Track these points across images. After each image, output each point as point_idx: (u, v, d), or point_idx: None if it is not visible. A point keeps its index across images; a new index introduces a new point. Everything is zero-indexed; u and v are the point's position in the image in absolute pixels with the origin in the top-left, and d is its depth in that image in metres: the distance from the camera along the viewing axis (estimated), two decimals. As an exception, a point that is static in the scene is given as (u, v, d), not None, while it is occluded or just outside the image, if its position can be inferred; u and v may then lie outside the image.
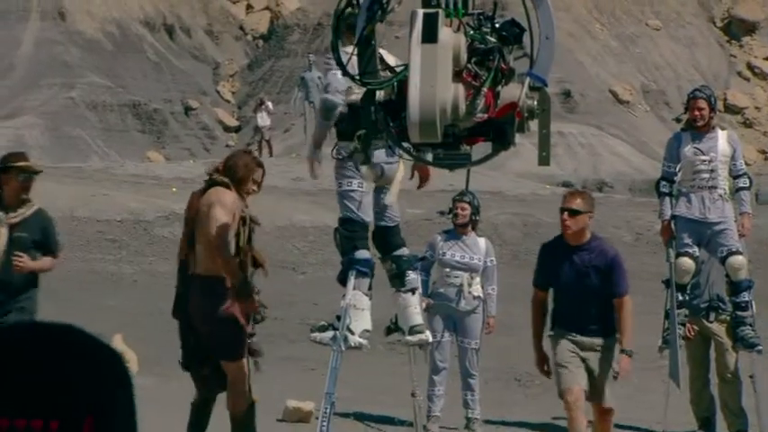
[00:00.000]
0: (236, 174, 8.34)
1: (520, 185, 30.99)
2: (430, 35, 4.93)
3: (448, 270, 11.30)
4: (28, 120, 56.30)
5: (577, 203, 8.43)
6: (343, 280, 8.72)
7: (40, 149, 50.85)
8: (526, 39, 5.28)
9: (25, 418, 1.38)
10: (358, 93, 8.33)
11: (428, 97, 4.84)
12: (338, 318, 8.62)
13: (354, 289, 8.62)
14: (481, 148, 5.48)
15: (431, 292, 11.39)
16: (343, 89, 7.99)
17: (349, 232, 8.68)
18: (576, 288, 8.41)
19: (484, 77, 5.07)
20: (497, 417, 12.29)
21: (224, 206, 8.03)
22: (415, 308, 8.98)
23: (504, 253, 19.91)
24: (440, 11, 4.98)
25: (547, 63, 5.26)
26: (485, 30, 5.23)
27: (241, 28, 69.10)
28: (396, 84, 5.22)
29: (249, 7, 71.34)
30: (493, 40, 5.20)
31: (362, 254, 8.65)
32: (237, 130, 62.89)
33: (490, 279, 11.48)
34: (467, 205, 11.40)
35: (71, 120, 57.29)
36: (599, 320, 8.63)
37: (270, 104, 40.63)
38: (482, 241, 11.63)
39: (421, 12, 5.00)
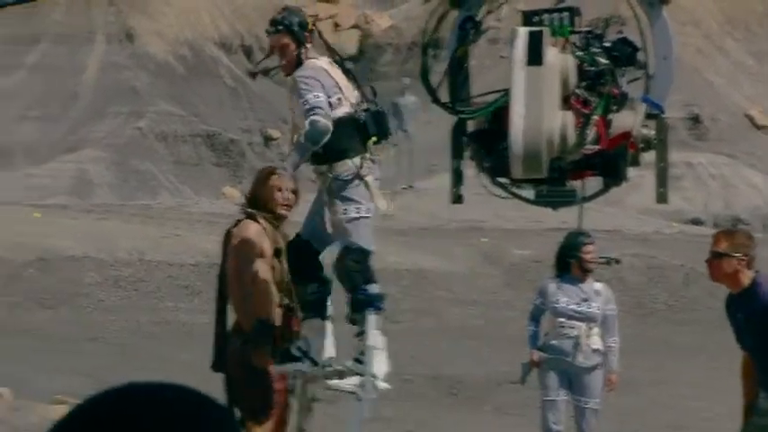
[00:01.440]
0: (257, 197, 8.36)
1: (642, 223, 30.68)
2: (535, 57, 4.87)
3: (563, 320, 11.19)
4: (92, 153, 57.26)
5: (722, 246, 8.01)
6: (355, 319, 8.73)
7: (106, 186, 51.68)
8: (642, 58, 5.18)
9: None
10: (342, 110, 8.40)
11: (534, 127, 4.77)
12: (358, 361, 8.63)
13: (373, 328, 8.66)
14: (590, 183, 5.39)
15: (543, 344, 11.28)
16: (329, 111, 8.25)
17: (360, 264, 8.65)
18: (744, 343, 8.11)
19: (594, 104, 4.99)
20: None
21: (245, 244, 8.06)
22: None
23: (625, 300, 19.67)
24: (545, 29, 4.91)
25: (665, 87, 5.16)
26: (594, 50, 5.14)
27: (329, 48, 69.59)
28: (490, 115, 5.16)
29: (336, 26, 72.00)
30: (604, 61, 5.12)
31: (376, 288, 8.76)
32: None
33: (611, 330, 11.34)
34: (594, 247, 11.31)
35: (139, 152, 58.12)
36: None
37: None
38: (601, 287, 11.49)
39: (524, 30, 4.94)
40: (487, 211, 27.58)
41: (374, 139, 8.51)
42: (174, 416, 1.50)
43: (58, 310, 19.05)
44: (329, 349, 8.62)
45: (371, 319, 8.62)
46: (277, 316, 8.20)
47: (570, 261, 11.24)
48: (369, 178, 8.57)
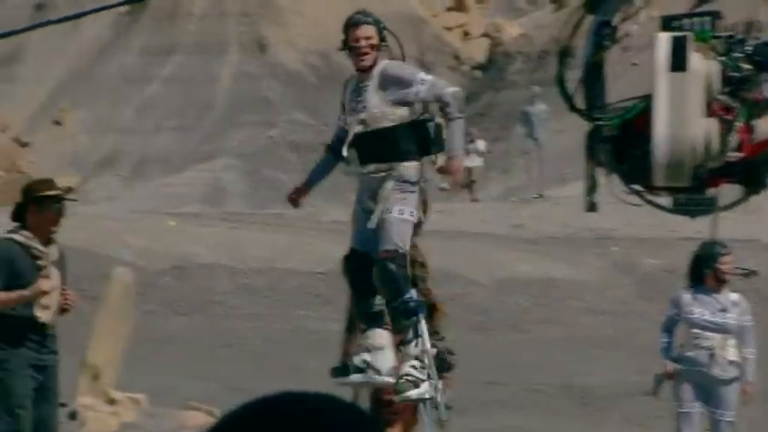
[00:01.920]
0: None
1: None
2: (679, 62, 4.78)
3: (698, 331, 11.01)
4: (225, 162, 58.04)
5: None
6: (402, 327, 8.38)
7: (238, 194, 52.33)
8: None
9: None
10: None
11: (678, 134, 4.70)
12: (421, 366, 8.35)
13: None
14: (728, 191, 5.27)
15: (677, 355, 11.12)
16: None
17: (405, 269, 8.35)
18: None
19: (737, 110, 4.89)
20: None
21: None
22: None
23: (759, 311, 19.27)
24: (689, 34, 4.82)
25: None
26: (736, 55, 5.03)
27: (456, 57, 69.70)
28: (621, 122, 5.08)
29: (466, 34, 71.90)
30: (747, 66, 5.01)
31: (415, 292, 8.45)
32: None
33: (747, 341, 11.13)
34: (731, 258, 11.14)
35: (271, 161, 58.74)
36: None
37: (481, 143, 40.15)
38: (737, 297, 11.29)
39: (667, 36, 4.85)
40: (619, 219, 27.26)
41: (434, 150, 8.46)
42: (325, 426, 1.51)
43: (191, 318, 19.31)
44: (391, 358, 8.41)
45: (424, 324, 8.35)
46: None
47: (706, 272, 11.05)
48: (423, 185, 8.49)
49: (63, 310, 9.12)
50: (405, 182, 8.31)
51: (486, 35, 70.65)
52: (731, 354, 10.98)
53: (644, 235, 25.84)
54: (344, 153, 8.54)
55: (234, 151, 58.58)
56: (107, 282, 13.68)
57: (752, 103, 5.06)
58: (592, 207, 5.82)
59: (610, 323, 20.51)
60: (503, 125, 59.36)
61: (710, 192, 5.22)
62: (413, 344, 8.23)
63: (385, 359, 8.28)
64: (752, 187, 5.16)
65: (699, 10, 5.01)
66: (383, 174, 8.36)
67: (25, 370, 8.89)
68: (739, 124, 4.99)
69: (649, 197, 5.23)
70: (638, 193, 5.21)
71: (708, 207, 5.19)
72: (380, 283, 8.22)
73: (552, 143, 33.21)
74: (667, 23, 4.97)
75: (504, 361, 17.33)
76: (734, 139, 5.02)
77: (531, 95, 34.82)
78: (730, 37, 5.07)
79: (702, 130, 4.81)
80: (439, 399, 8.29)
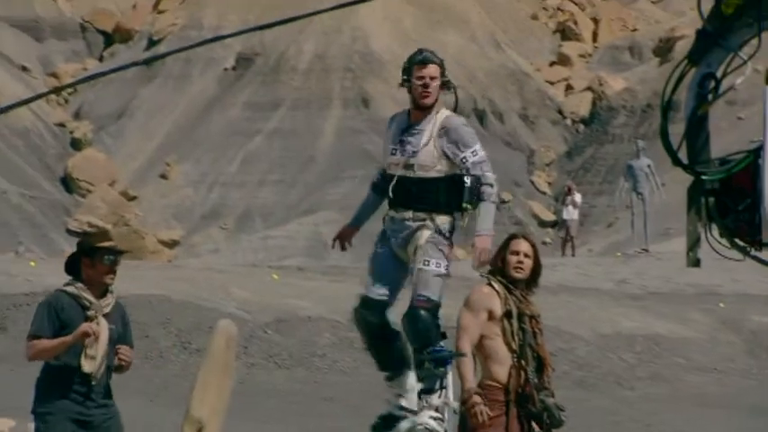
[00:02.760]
0: (495, 257, 8.37)
1: None
2: None
3: None
4: (328, 215, 58.37)
5: None
6: (429, 375, 8.22)
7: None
8: None
9: None
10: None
11: None
12: (440, 419, 8.24)
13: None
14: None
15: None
16: None
17: (437, 320, 8.29)
18: None
19: None
20: None
21: (467, 303, 8.14)
22: None
23: None
24: None
25: None
26: None
27: (559, 111, 69.56)
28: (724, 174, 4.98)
29: (569, 88, 71.76)
30: None
31: (445, 346, 8.33)
32: (554, 225, 62.99)
33: None
34: None
35: (373, 214, 58.93)
36: None
37: (578, 195, 39.92)
38: None
39: None
40: (724, 275, 26.89)
41: (469, 205, 8.31)
42: None
43: (293, 371, 19.34)
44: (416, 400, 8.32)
45: (450, 377, 8.22)
46: (511, 376, 8.13)
47: None
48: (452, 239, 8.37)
49: (118, 367, 8.77)
50: (440, 234, 8.28)
51: (589, 89, 70.46)
52: None
53: (751, 291, 25.46)
54: (389, 193, 8.45)
55: (336, 205, 58.89)
56: (211, 334, 13.81)
57: None
58: (695, 263, 5.61)
59: (716, 381, 20.17)
60: (606, 179, 59.00)
61: None
62: (437, 394, 8.19)
63: (415, 399, 8.27)
64: None
65: None
66: (419, 223, 8.30)
67: (65, 424, 8.60)
68: None
69: (753, 252, 5.03)
70: (741, 248, 5.07)
71: None
72: (413, 330, 8.21)
73: (656, 198, 32.89)
74: None
75: (608, 418, 17.09)
76: None
77: (636, 149, 34.50)
78: None
79: None
80: None
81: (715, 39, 4.85)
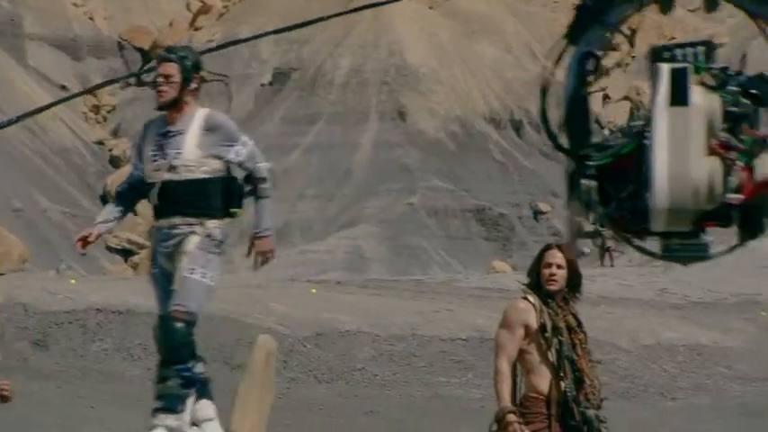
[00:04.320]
0: (531, 274, 8.25)
1: None
2: (680, 96, 4.49)
3: None
4: (365, 229, 58.43)
5: None
6: (171, 394, 7.52)
7: (378, 261, 52.58)
8: None
9: None
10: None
11: (681, 175, 4.38)
12: None
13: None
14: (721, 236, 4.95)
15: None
16: None
17: (192, 337, 7.61)
18: None
19: (741, 149, 4.53)
20: None
21: (503, 321, 8.06)
22: None
23: None
24: (689, 66, 4.51)
25: None
26: (732, 88, 4.68)
27: (597, 121, 69.25)
28: (609, 159, 4.72)
29: (606, 98, 71.64)
30: (745, 101, 4.67)
31: (201, 367, 7.74)
32: (593, 235, 62.58)
33: None
34: None
35: (411, 227, 59.00)
36: None
37: None
38: None
39: (667, 67, 4.55)
40: (765, 283, 26.71)
41: (238, 210, 7.76)
42: None
43: (333, 385, 19.35)
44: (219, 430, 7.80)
45: (191, 402, 7.58)
46: (552, 388, 8.07)
47: None
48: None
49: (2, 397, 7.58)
50: (212, 241, 7.58)
51: (627, 98, 70.32)
52: None
53: None
54: (154, 201, 7.59)
55: (374, 218, 58.96)
56: (251, 349, 13.81)
57: (752, 141, 4.67)
58: (580, 253, 5.19)
59: (760, 390, 20.01)
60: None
61: (705, 236, 4.82)
62: (174, 416, 7.52)
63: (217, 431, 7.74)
64: (750, 232, 4.77)
65: (690, 40, 4.65)
66: (188, 228, 7.56)
67: None
68: (741, 164, 4.59)
69: (637, 242, 4.78)
70: (624, 238, 4.83)
71: (702, 253, 4.74)
72: (165, 341, 7.54)
73: None
74: (658, 54, 4.54)
75: (652, 429, 16.99)
76: (735, 179, 4.62)
77: None
78: (725, 69, 4.69)
79: (706, 169, 4.46)
80: None
81: (595, 15, 4.65)
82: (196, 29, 76.80)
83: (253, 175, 7.72)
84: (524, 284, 8.20)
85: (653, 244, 4.75)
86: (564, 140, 4.68)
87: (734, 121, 4.52)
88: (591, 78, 4.61)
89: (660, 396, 19.92)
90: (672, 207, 4.44)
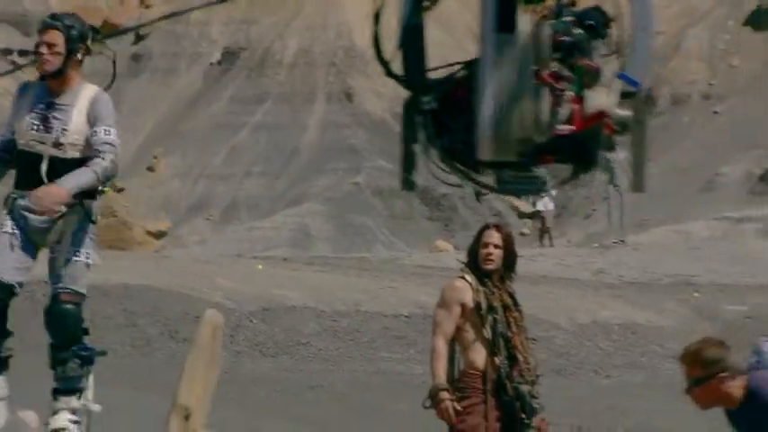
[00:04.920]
0: (470, 253, 8.30)
1: None
2: (507, 22, 4.24)
3: None
4: (311, 207, 58.37)
5: (696, 372, 6.39)
6: (71, 376, 7.25)
7: (324, 239, 52.57)
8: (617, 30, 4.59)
9: None
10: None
11: (506, 103, 4.25)
12: (77, 422, 7.28)
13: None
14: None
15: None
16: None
17: (82, 315, 7.34)
18: None
19: (571, 79, 4.41)
20: None
21: (440, 300, 8.11)
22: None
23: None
24: None
25: (644, 62, 4.55)
26: (566, 18, 4.54)
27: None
28: (442, 92, 4.45)
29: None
30: (578, 31, 4.54)
31: (87, 340, 7.45)
32: (532, 216, 63.01)
33: None
34: None
35: (356, 207, 59.02)
36: None
37: (553, 190, 40.22)
38: None
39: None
40: (699, 265, 27.00)
41: (107, 189, 7.40)
42: None
43: (279, 359, 19.36)
44: (5, 413, 7.38)
45: (92, 377, 7.38)
46: (487, 364, 8.15)
47: None
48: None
49: None
50: (91, 221, 7.26)
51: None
52: None
53: (725, 281, 25.57)
54: (27, 171, 7.20)
55: (320, 197, 58.88)
56: (198, 323, 13.79)
57: (583, 72, 4.50)
58: (410, 186, 4.98)
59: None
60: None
61: (538, 170, 4.61)
62: (76, 396, 7.29)
63: (3, 413, 7.36)
64: (581, 165, 4.69)
65: None
66: (68, 210, 7.13)
67: None
68: (571, 94, 4.41)
69: (473, 176, 4.61)
70: (460, 171, 4.63)
71: (535, 186, 4.66)
72: (60, 326, 7.20)
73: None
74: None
75: (585, 405, 17.14)
76: (565, 110, 4.42)
77: (613, 143, 34.72)
78: (559, 1, 4.51)
79: (532, 98, 4.26)
80: None
81: None
82: (147, 6, 76.13)
83: (96, 152, 7.13)
84: (463, 264, 8.28)
85: (489, 178, 4.63)
86: (397, 68, 4.53)
87: (565, 50, 4.33)
88: (426, 4, 4.47)
89: (594, 373, 20.10)
90: (497, 135, 4.24)
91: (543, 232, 37.97)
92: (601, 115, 4.42)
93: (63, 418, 7.22)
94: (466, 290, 8.08)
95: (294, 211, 57.83)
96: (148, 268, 23.04)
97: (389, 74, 4.63)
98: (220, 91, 67.54)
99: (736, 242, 32.89)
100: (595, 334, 21.46)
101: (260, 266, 25.27)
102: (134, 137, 64.55)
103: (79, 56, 7.31)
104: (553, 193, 39.36)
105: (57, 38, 7.22)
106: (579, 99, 4.42)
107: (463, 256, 8.49)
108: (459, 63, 4.56)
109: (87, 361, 7.30)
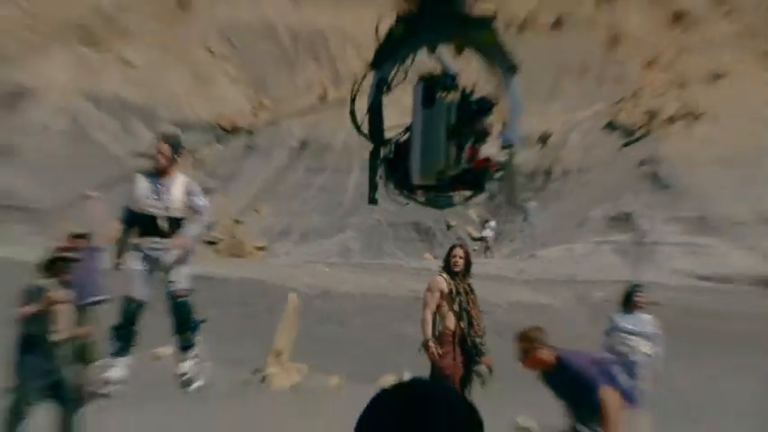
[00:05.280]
0: (445, 259, 8.20)
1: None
2: (429, 101, 4.32)
3: (624, 335, 10.64)
4: (350, 234, 58.16)
5: (524, 344, 6.29)
6: (189, 339, 7.06)
7: (358, 252, 52.15)
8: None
9: None
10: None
11: (428, 148, 4.26)
12: (198, 364, 7.21)
13: None
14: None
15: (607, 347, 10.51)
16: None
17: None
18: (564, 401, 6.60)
19: (469, 136, 4.42)
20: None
21: (428, 288, 8.10)
22: None
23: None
24: (436, 84, 4.35)
25: (514, 130, 4.52)
26: (468, 101, 4.43)
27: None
28: (394, 145, 4.44)
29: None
30: (475, 108, 4.48)
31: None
32: (480, 239, 62.56)
33: (657, 343, 10.45)
34: (644, 293, 10.84)
35: (376, 234, 58.73)
36: None
37: (493, 222, 40.79)
38: (648, 316, 10.91)
39: (421, 83, 4.36)
40: (578, 269, 26.77)
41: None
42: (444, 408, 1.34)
43: (334, 326, 19.27)
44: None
45: (200, 337, 7.14)
46: (455, 327, 8.16)
47: (631, 300, 10.77)
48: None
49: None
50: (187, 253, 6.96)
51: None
52: (646, 350, 10.62)
53: (594, 279, 25.50)
54: (145, 225, 6.89)
55: (355, 228, 58.70)
56: (285, 303, 13.75)
57: (477, 132, 4.39)
58: (374, 202, 4.84)
59: (573, 331, 20.10)
60: (510, 213, 58.79)
61: (452, 193, 4.49)
62: (194, 349, 7.05)
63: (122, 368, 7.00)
64: (477, 190, 4.48)
65: (445, 72, 4.39)
66: (165, 248, 6.88)
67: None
68: (469, 145, 4.37)
69: (413, 196, 4.53)
70: (403, 193, 4.56)
71: (449, 202, 4.51)
72: (182, 313, 6.98)
73: (540, 224, 33.03)
74: (423, 78, 4.35)
75: (510, 356, 17.00)
76: (466, 155, 4.36)
77: (529, 199, 35.17)
78: (464, 89, 4.39)
79: (444, 147, 4.30)
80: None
81: (388, 52, 4.47)
82: (255, 115, 76.09)
83: (198, 213, 7.02)
84: (441, 267, 8.32)
85: (421, 197, 4.54)
86: (365, 129, 4.46)
87: (467, 119, 4.32)
88: (384, 92, 4.41)
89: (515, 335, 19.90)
90: (424, 170, 4.27)
91: (487, 248, 38.10)
92: (488, 159, 4.45)
93: (186, 365, 7.07)
94: (443, 282, 8.12)
95: (341, 236, 57.71)
96: (256, 269, 23.07)
97: (360, 133, 4.49)
98: (298, 164, 67.57)
99: (599, 256, 32.70)
100: (518, 310, 21.39)
101: (326, 269, 25.30)
102: (246, 193, 64.59)
103: (176, 157, 7.14)
104: (493, 224, 39.50)
105: (166, 149, 7.06)
106: (475, 149, 4.33)
107: (441, 263, 8.54)
108: (403, 127, 4.43)
109: (195, 329, 7.07)
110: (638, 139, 41.97)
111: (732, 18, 48.02)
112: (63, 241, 8.11)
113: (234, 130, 67.81)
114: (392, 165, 4.43)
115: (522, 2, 54.15)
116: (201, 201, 7.00)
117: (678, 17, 50.79)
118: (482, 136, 4.34)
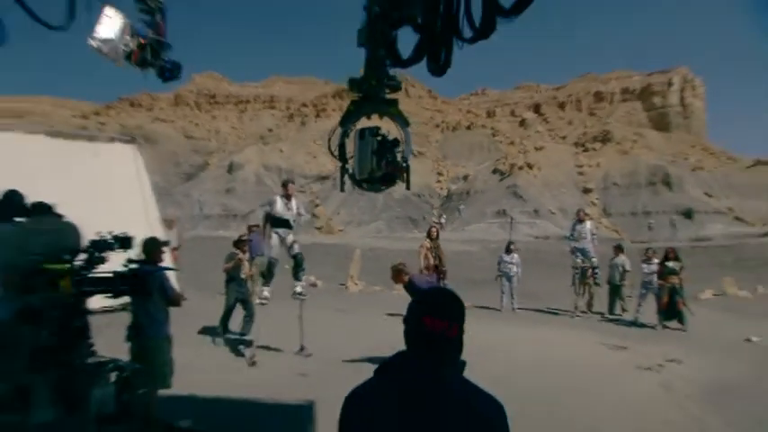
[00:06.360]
0: (428, 231, 7.14)
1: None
2: (362, 137, 3.88)
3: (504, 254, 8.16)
4: (380, 223, 44.78)
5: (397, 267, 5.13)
6: (300, 272, 5.74)
7: (386, 230, 45.20)
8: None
9: None
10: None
11: (362, 160, 3.87)
12: (303, 286, 5.86)
13: None
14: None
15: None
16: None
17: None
18: None
19: (385, 156, 3.84)
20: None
21: (421, 245, 6.98)
22: None
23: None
24: (367, 129, 3.90)
25: (409, 152, 3.93)
26: (388, 139, 3.90)
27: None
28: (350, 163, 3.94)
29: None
30: (389, 143, 3.90)
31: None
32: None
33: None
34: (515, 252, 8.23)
35: (393, 222, 46.16)
36: None
37: (444, 218, 35.94)
38: (516, 257, 8.18)
39: (359, 127, 3.92)
40: (484, 234, 22.84)
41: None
42: None
43: (377, 274, 11.79)
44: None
45: (305, 272, 5.86)
46: (435, 264, 6.88)
47: (509, 246, 8.32)
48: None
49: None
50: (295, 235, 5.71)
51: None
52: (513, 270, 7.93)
53: (489, 239, 20.96)
54: (280, 224, 5.67)
55: (382, 219, 48.42)
56: (353, 253, 12.07)
57: (391, 154, 3.85)
58: (342, 190, 4.08)
59: (482, 263, 14.57)
60: (451, 213, 43.50)
61: (379, 185, 3.93)
62: (302, 279, 5.85)
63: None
64: (390, 184, 3.94)
65: (374, 126, 3.90)
66: (289, 232, 5.57)
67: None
68: (384, 161, 3.83)
69: (364, 187, 3.93)
70: (357, 185, 3.98)
71: (378, 189, 3.89)
72: (298, 261, 5.73)
73: (465, 216, 29.00)
74: (361, 130, 3.88)
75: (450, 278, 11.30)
76: (383, 165, 3.83)
77: (461, 205, 33.01)
78: (384, 135, 3.91)
79: (370, 159, 3.85)
80: None
81: (347, 118, 3.99)
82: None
83: (301, 214, 5.84)
84: (425, 236, 7.82)
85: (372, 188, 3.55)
86: (338, 156, 4.05)
87: (386, 146, 3.91)
88: (348, 133, 3.99)
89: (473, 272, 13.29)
90: (360, 171, 3.93)
91: (442, 227, 27.93)
92: (396, 168, 3.91)
93: (299, 288, 5.88)
94: (427, 242, 7.09)
95: (376, 224, 52.14)
96: (339, 239, 21.12)
97: (335, 157, 4.03)
98: (352, 188, 61.13)
99: (491, 229, 26.79)
100: (458, 254, 15.61)
101: (370, 239, 21.87)
102: (335, 206, 59.68)
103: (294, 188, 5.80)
104: (444, 218, 34.05)
105: (291, 186, 5.78)
106: (389, 162, 3.87)
107: (425, 234, 7.43)
108: (353, 152, 3.98)
109: (304, 270, 5.83)
110: (507, 176, 40.82)
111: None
112: (244, 230, 7.27)
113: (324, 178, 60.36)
114: (351, 175, 4.05)
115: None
116: (304, 211, 6.09)
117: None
118: (393, 156, 3.90)
